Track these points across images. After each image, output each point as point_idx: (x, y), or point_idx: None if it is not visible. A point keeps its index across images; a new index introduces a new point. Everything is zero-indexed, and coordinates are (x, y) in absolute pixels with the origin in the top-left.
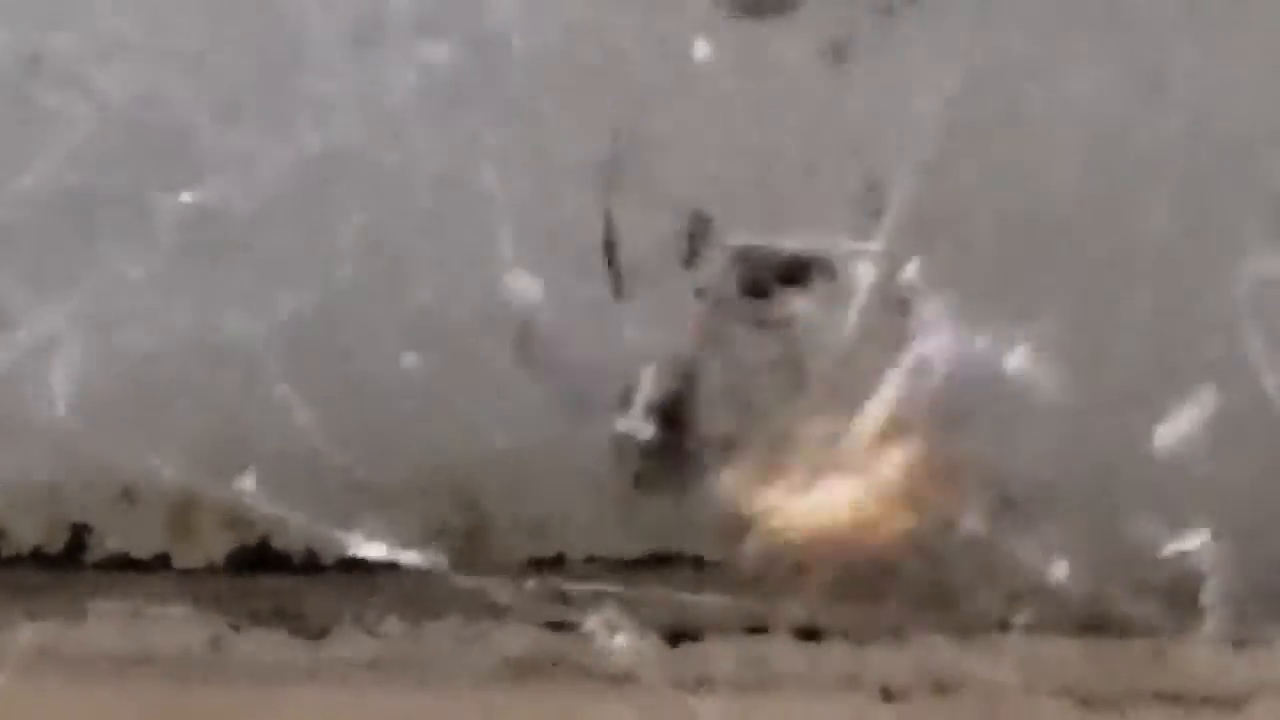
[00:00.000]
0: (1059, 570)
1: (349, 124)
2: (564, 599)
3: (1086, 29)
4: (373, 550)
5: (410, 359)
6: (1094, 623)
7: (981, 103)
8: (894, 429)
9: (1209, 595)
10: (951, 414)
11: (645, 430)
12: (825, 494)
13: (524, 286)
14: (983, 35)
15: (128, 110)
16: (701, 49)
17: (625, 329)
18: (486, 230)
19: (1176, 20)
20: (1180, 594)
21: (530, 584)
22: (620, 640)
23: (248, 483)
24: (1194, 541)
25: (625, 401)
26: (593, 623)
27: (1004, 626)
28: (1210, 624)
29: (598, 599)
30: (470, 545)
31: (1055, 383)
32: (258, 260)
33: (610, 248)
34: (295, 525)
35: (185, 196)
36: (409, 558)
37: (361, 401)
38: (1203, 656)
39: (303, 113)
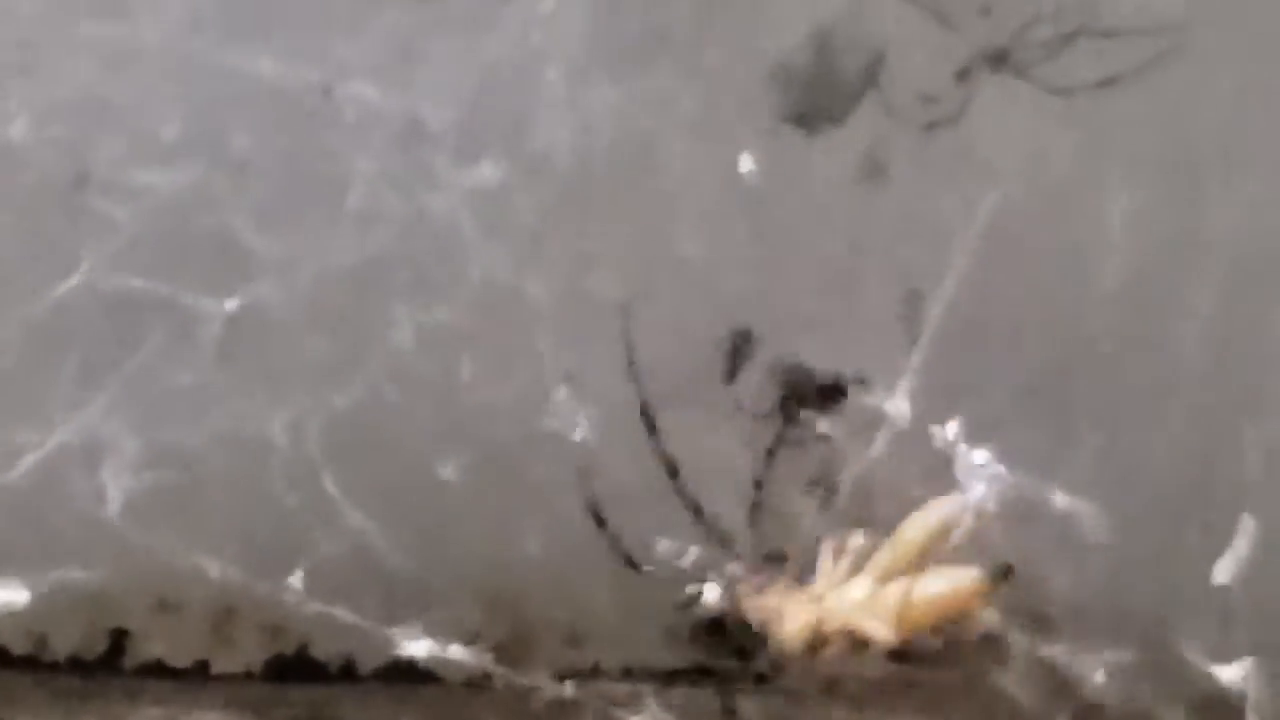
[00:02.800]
0: (1099, 684)
1: (393, 232)
2: (608, 696)
3: (1125, 152)
4: (419, 648)
5: (453, 465)
6: None
7: (1018, 222)
8: (931, 550)
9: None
10: (990, 540)
11: (688, 552)
12: (861, 610)
13: (566, 400)
14: (1020, 154)
15: (174, 214)
16: (746, 164)
17: (665, 447)
18: (530, 342)
19: (1215, 147)
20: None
21: (570, 686)
22: None
23: (295, 581)
24: (1235, 668)
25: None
26: None
27: None
28: None
29: (639, 699)
30: (509, 652)
31: (1094, 511)
32: (303, 364)
33: (634, 369)
34: (339, 625)
35: (230, 301)
36: (454, 654)
37: (407, 504)
38: None
39: (347, 220)
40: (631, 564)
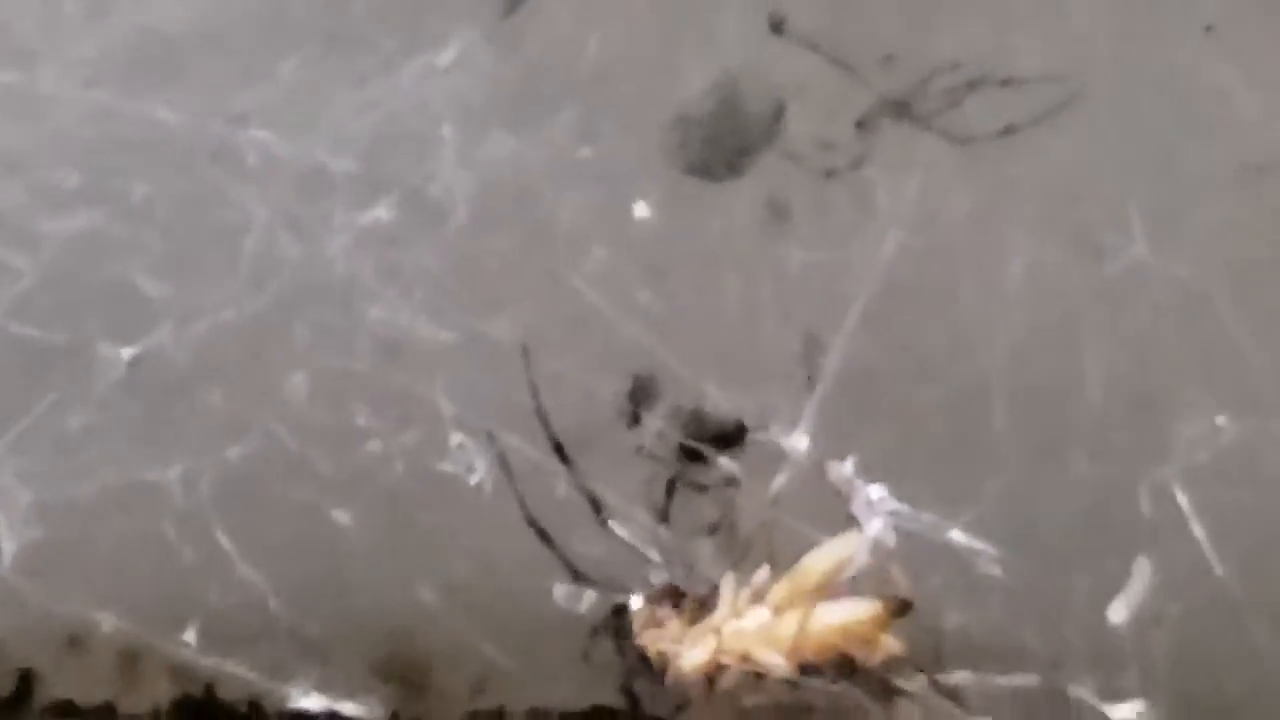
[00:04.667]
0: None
1: (291, 279)
2: None
3: (1023, 199)
4: (313, 703)
5: (351, 513)
6: None
7: (917, 268)
8: (829, 584)
9: None
10: (885, 578)
11: (585, 597)
12: (757, 640)
13: (463, 445)
14: (920, 202)
15: (74, 262)
16: (643, 211)
17: (562, 490)
18: (427, 389)
19: (1112, 194)
20: None
21: None
22: None
23: (189, 635)
24: (1126, 711)
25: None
26: None
27: None
28: None
29: None
30: (411, 699)
31: (990, 550)
32: (199, 414)
33: (540, 409)
34: (236, 677)
35: (128, 349)
36: (349, 709)
37: (302, 555)
38: None
39: (245, 266)
40: (578, 575)
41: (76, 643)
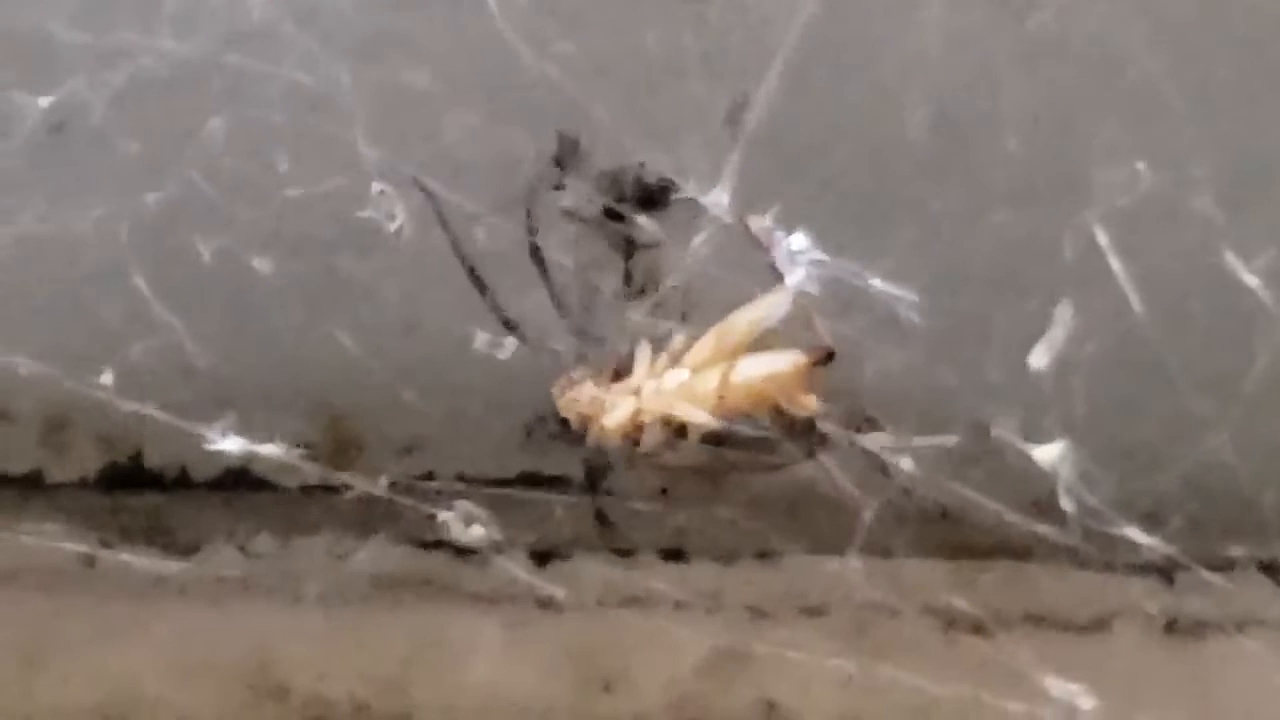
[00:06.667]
0: (910, 474)
1: (210, 30)
2: (420, 495)
3: None
4: (232, 444)
5: (269, 264)
6: (947, 530)
7: (838, 21)
8: (751, 341)
9: (1063, 505)
10: (808, 330)
11: (506, 348)
12: (678, 397)
13: (383, 193)
14: None
15: None
16: None
17: (482, 238)
18: (347, 137)
19: None
20: (1035, 503)
21: (385, 480)
22: (477, 531)
23: (107, 378)
24: (1049, 452)
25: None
26: (447, 516)
27: (871, 547)
28: (1063, 535)
29: (452, 497)
30: (336, 458)
31: (912, 297)
32: (116, 160)
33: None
34: (163, 429)
35: (44, 98)
36: (269, 451)
37: (221, 301)
38: (1067, 581)
39: (165, 17)
40: (510, 326)
41: (4, 412)
